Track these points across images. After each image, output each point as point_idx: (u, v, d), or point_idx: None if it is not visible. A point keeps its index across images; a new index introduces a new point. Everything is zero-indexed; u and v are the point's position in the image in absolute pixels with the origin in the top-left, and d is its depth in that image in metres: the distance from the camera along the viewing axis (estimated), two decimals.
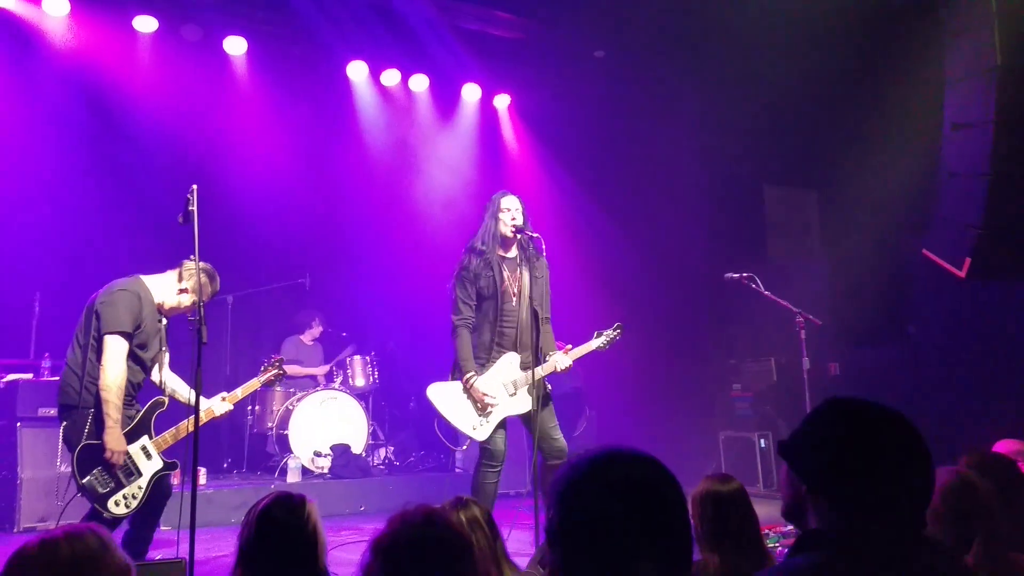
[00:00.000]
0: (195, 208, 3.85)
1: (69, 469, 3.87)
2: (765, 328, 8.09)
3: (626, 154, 9.34)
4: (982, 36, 6.16)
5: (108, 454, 3.84)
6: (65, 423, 3.94)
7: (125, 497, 3.92)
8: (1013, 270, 6.62)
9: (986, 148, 6.04)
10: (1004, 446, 3.35)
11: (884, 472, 1.53)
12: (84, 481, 3.84)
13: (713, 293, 8.86)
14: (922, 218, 7.06)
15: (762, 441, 7.98)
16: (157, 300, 4.16)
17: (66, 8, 7.08)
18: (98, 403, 3.90)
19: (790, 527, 5.85)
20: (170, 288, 4.20)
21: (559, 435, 4.77)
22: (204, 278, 4.11)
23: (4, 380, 6.09)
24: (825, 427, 1.64)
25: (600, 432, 8.59)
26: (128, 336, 4.00)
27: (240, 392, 4.41)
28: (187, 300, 4.18)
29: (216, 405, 4.32)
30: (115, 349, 3.95)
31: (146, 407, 4.11)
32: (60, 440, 3.92)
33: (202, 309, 3.81)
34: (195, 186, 3.87)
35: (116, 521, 3.93)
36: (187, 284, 4.18)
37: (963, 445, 3.03)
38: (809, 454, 1.64)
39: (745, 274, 6.20)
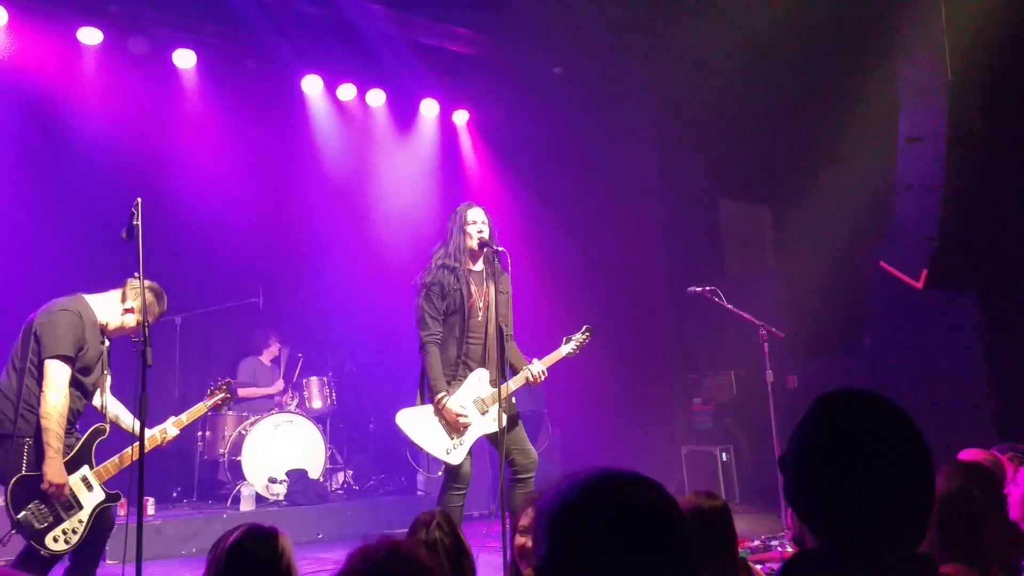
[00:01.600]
0: (139, 223, 3.66)
1: (2, 503, 3.61)
2: (724, 342, 8.12)
3: (584, 169, 9.32)
4: (934, 51, 6.29)
5: (47, 487, 3.58)
6: None
7: (65, 532, 3.66)
8: (968, 280, 6.73)
9: (940, 160, 6.15)
10: (969, 455, 3.30)
11: (868, 486, 1.35)
12: (20, 516, 3.57)
13: (672, 308, 8.88)
14: (876, 230, 7.15)
15: (723, 455, 7.97)
16: (100, 320, 3.92)
17: (3, 18, 6.81)
18: (36, 432, 3.63)
19: (757, 542, 5.83)
20: (114, 308, 3.97)
21: (530, 446, 4.64)
22: (151, 297, 3.90)
23: None
24: (800, 432, 1.45)
25: (563, 450, 8.49)
26: (71, 360, 3.75)
27: (185, 418, 4.16)
28: (132, 320, 3.94)
29: (160, 432, 4.08)
30: (57, 374, 3.69)
31: (86, 435, 3.85)
32: None
33: (147, 330, 3.61)
34: (139, 199, 3.69)
35: (54, 559, 3.68)
36: (132, 303, 3.94)
37: None
38: (785, 468, 1.47)
39: (708, 287, 6.19)
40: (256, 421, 7.24)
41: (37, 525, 3.61)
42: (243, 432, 7.22)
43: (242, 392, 7.81)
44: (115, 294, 4.00)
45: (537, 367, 4.64)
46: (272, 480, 7.04)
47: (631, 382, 9.00)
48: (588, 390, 8.62)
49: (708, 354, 8.72)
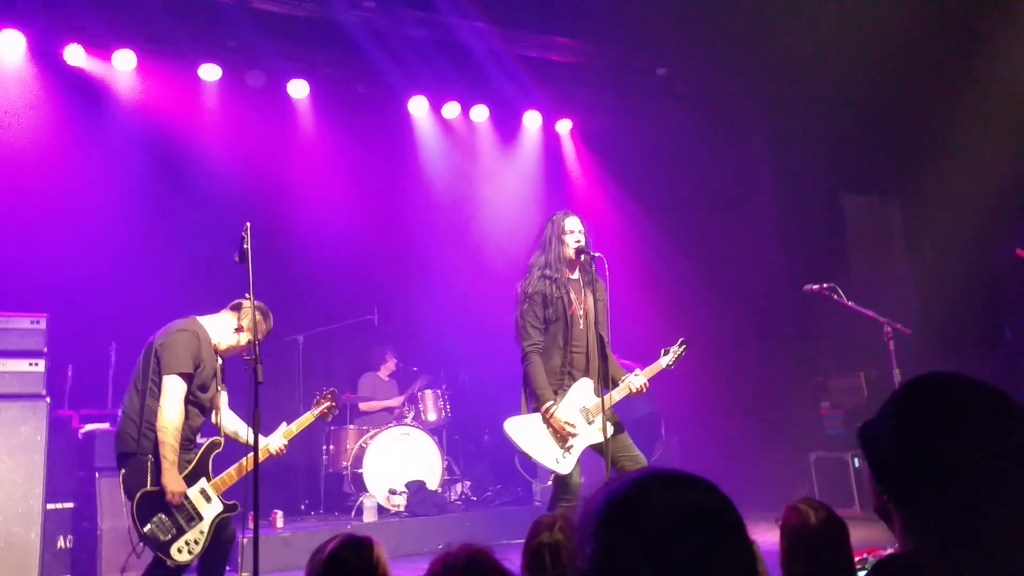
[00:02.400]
0: (249, 246, 3.81)
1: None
2: (851, 342, 7.68)
3: (694, 169, 9.06)
4: None
5: (168, 496, 3.79)
6: (123, 471, 3.89)
7: (188, 543, 3.86)
8: None
9: None
10: None
11: (974, 473, 1.23)
12: (146, 530, 3.79)
13: (794, 308, 8.47)
14: (1014, 216, 6.65)
15: (856, 460, 7.55)
16: (213, 340, 4.13)
17: (133, 62, 7.30)
18: (156, 449, 3.85)
19: (891, 550, 5.47)
20: (226, 328, 4.17)
21: (638, 452, 4.56)
22: (259, 316, 4.06)
23: (83, 431, 6.17)
24: (896, 411, 1.36)
25: (682, 457, 8.28)
26: (189, 377, 3.97)
27: (295, 427, 4.33)
28: (244, 339, 4.13)
29: (272, 443, 4.24)
30: (174, 389, 3.92)
31: (202, 449, 4.06)
32: (120, 489, 3.86)
33: (257, 347, 3.75)
34: (248, 223, 3.84)
35: (180, 569, 3.87)
36: (244, 322, 4.14)
37: None
38: (877, 446, 1.37)
39: (826, 285, 5.89)
40: (375, 434, 7.43)
41: (162, 537, 3.81)
42: (364, 445, 7.42)
43: (363, 406, 8.05)
44: (227, 314, 4.21)
45: (639, 379, 4.59)
46: (392, 492, 7.19)
47: (753, 386, 8.69)
48: (707, 396, 8.38)
49: (835, 355, 8.29)
